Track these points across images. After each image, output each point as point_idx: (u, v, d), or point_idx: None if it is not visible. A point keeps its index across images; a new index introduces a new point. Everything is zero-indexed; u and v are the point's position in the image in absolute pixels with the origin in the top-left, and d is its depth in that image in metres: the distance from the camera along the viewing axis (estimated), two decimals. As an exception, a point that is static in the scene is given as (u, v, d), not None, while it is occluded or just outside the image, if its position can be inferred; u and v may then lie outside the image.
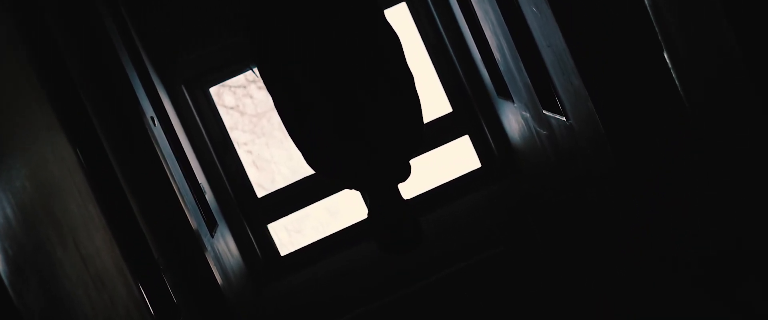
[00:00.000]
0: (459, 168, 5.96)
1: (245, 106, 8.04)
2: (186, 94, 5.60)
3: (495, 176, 5.86)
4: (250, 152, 10.30)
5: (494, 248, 4.67)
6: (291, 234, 7.94)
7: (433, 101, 6.01)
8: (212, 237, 4.85)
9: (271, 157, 8.30)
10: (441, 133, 5.90)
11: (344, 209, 6.94)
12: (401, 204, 3.14)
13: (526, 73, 4.20)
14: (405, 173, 3.15)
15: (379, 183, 3.10)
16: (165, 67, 5.45)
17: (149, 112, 4.60)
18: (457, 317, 4.18)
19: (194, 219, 4.40)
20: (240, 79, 6.54)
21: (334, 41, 2.97)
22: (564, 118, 3.90)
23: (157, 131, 4.60)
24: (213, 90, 5.83)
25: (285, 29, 2.97)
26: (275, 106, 3.07)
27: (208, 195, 5.31)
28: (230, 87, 7.78)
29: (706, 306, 3.49)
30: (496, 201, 5.54)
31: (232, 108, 10.23)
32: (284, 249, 5.96)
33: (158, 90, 5.14)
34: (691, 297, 3.63)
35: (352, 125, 3.00)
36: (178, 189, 4.21)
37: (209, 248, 4.51)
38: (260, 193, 5.92)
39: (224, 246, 5.13)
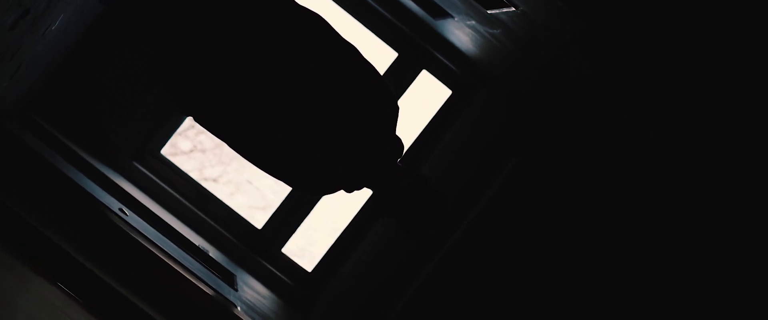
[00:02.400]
0: (432, 105, 5.70)
1: (202, 143, 7.82)
2: (141, 168, 5.32)
3: (470, 95, 5.60)
4: (229, 182, 10.04)
5: (508, 163, 4.42)
6: (307, 237, 7.71)
7: (376, 54, 5.75)
8: (236, 290, 4.59)
9: (249, 177, 8.11)
10: (398, 80, 5.64)
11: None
12: (410, 178, 2.88)
13: (452, -16, 3.93)
14: (397, 148, 2.89)
15: (378, 172, 2.84)
16: (107, 154, 5.17)
17: (115, 205, 4.32)
18: (507, 248, 3.94)
19: (210, 285, 4.14)
20: (185, 123, 6.31)
21: (258, 60, 2.69)
22: (513, 8, 3.64)
23: (132, 219, 4.32)
24: (165, 150, 5.55)
25: (204, 73, 2.69)
26: (233, 149, 2.80)
27: (213, 252, 5.04)
28: (180, 134, 7.55)
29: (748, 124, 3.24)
30: (485, 118, 5.29)
31: (191, 151, 9.95)
32: (310, 264, 5.72)
33: (113, 178, 4.86)
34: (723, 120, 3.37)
35: (322, 135, 2.73)
36: (181, 266, 3.94)
37: (238, 304, 4.26)
38: (260, 222, 5.66)
39: (252, 293, 4.87)
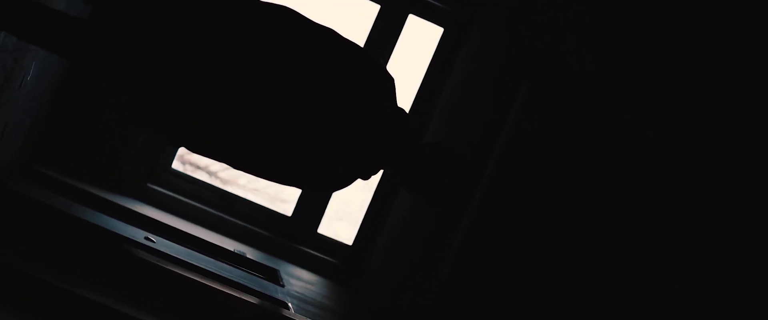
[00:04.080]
0: (429, 48, 5.56)
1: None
2: (158, 188, 5.22)
3: (465, 28, 5.45)
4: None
5: (519, 87, 4.28)
6: (341, 211, 7.62)
7: (359, 13, 5.60)
8: (282, 286, 4.51)
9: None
10: (387, 33, 5.49)
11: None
12: (423, 149, 2.73)
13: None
14: (403, 120, 2.73)
15: (390, 151, 2.70)
16: (121, 184, 5.07)
17: (140, 235, 4.24)
18: (539, 172, 3.81)
19: (255, 289, 4.06)
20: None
21: (237, 72, 2.55)
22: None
23: (161, 244, 4.24)
24: (180, 151, 5.44)
25: (184, 100, 2.56)
26: (237, 166, 2.67)
27: (250, 253, 4.96)
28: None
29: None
30: (487, 47, 5.14)
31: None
32: (349, 238, 5.62)
33: (133, 207, 4.77)
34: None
35: (326, 127, 2.60)
36: (220, 281, 3.86)
37: (288, 300, 4.18)
38: (289, 209, 5.57)
39: (300, 283, 4.79)
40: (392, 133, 2.72)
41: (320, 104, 2.62)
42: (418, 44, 5.67)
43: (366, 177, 2.76)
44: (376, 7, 5.50)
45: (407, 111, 2.86)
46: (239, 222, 5.30)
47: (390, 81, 2.75)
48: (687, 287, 2.43)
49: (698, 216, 2.54)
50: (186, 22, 2.58)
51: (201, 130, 2.58)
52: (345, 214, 7.92)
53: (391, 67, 5.46)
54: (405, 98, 5.52)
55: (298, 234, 5.45)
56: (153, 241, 4.23)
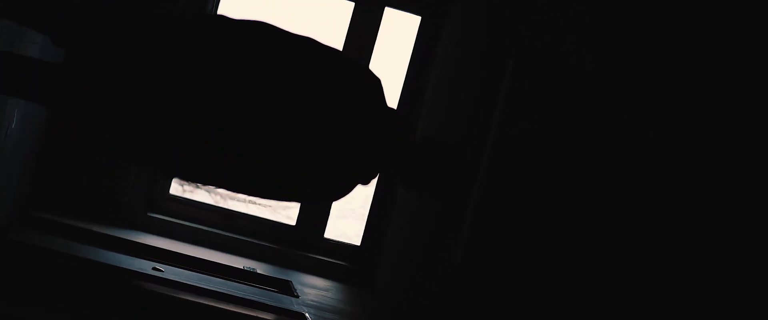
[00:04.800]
0: (408, 38, 5.51)
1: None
2: (159, 216, 5.18)
3: (443, 12, 5.40)
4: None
5: (505, 65, 4.24)
6: (345, 209, 7.59)
7: (335, 14, 5.56)
8: (297, 297, 4.49)
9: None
10: (366, 30, 5.45)
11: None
12: (417, 147, 2.69)
13: None
14: (396, 121, 2.69)
15: (385, 153, 2.66)
16: (122, 217, 5.04)
17: (147, 266, 4.21)
18: (537, 173, 3.78)
19: (271, 306, 4.04)
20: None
21: (221, 95, 2.51)
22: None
23: (169, 272, 4.21)
24: (174, 184, 5.43)
25: (170, 129, 2.52)
26: (233, 189, 2.63)
27: (261, 268, 4.92)
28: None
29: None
30: (466, 30, 5.10)
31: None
32: (356, 236, 5.60)
33: (137, 239, 4.74)
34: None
35: (320, 141, 2.56)
36: (236, 303, 3.84)
37: (305, 311, 4.16)
38: (293, 218, 5.54)
39: (314, 292, 4.76)
40: (386, 135, 2.67)
41: (309, 115, 2.58)
42: (398, 36, 5.63)
43: (365, 183, 2.72)
44: (351, 5, 5.46)
45: (396, 108, 2.83)
46: (245, 239, 5.26)
47: (376, 82, 2.70)
48: (687, 287, 2.41)
49: (698, 216, 2.52)
50: (165, 51, 2.54)
51: (193, 156, 2.54)
52: (349, 211, 7.90)
53: (375, 63, 5.43)
54: (393, 92, 5.49)
55: (305, 242, 5.42)
56: (161, 271, 4.20)
